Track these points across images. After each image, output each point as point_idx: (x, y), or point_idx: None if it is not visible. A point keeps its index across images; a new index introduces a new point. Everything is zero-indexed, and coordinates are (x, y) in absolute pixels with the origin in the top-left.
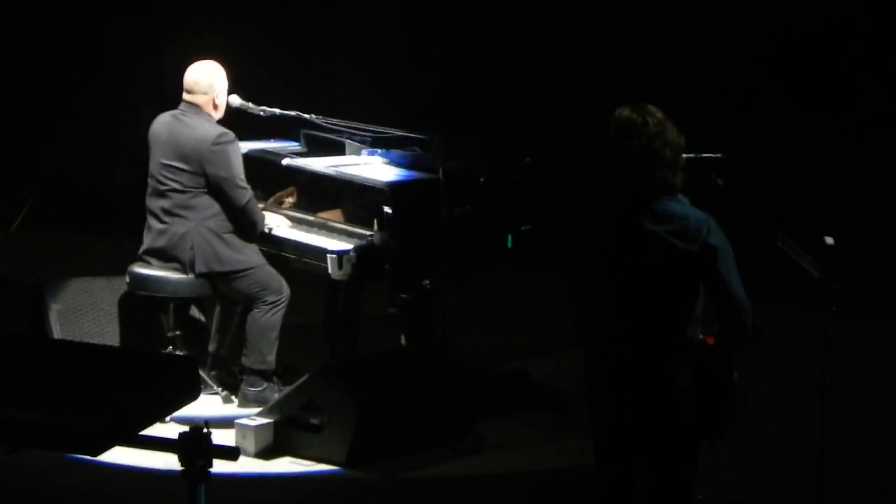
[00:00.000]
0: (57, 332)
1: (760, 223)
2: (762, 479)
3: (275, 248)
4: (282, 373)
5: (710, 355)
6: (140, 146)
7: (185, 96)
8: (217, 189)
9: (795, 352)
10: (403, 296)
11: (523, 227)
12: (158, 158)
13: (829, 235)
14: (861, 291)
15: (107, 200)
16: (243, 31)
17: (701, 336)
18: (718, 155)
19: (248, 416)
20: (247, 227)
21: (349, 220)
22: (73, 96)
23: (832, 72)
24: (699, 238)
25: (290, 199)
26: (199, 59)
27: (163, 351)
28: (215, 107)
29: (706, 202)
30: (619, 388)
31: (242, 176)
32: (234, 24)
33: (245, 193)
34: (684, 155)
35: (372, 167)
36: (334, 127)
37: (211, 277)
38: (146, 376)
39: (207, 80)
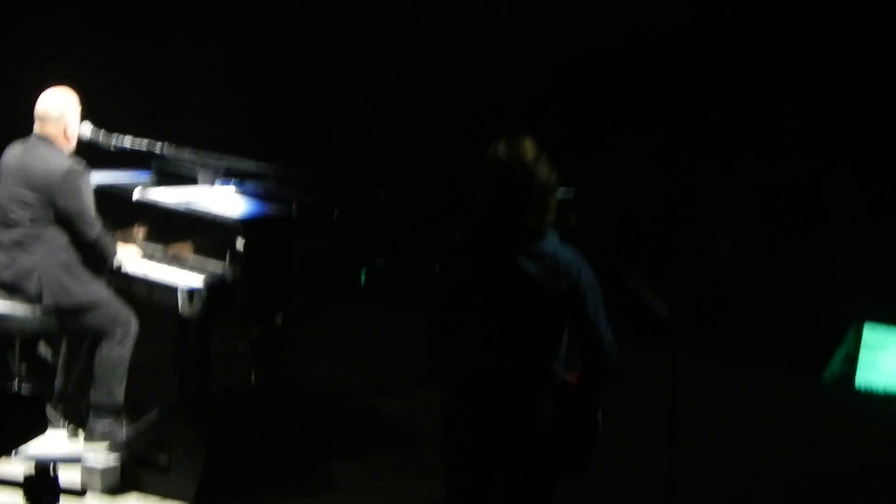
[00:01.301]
0: None
1: (611, 263)
2: None
3: (124, 283)
4: (130, 409)
5: (573, 394)
6: None
7: (37, 126)
8: (67, 221)
9: (644, 389)
10: (254, 332)
11: (377, 264)
12: (6, 188)
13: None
14: (707, 331)
15: None
16: (92, 58)
17: (564, 374)
18: (570, 193)
19: (95, 453)
20: (97, 260)
21: (200, 253)
22: None
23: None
24: (569, 278)
25: (141, 233)
26: (49, 87)
27: (9, 387)
28: (67, 137)
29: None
30: (479, 425)
31: (93, 208)
32: (83, 51)
33: (95, 226)
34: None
35: (224, 200)
36: (186, 158)
37: (59, 311)
38: None
39: (59, 109)
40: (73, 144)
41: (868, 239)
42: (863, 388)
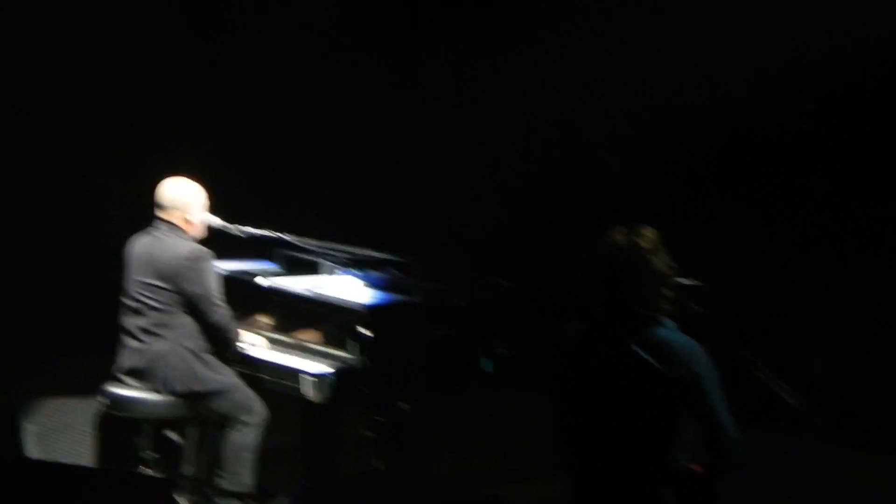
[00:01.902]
0: (32, 454)
1: (738, 351)
2: None
3: (251, 369)
4: (257, 495)
5: (695, 483)
6: (112, 264)
7: (158, 213)
8: (193, 306)
9: (770, 481)
10: (380, 419)
11: (501, 352)
12: (135, 277)
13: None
14: (838, 422)
15: (78, 318)
16: (218, 152)
17: (690, 464)
18: (697, 283)
19: None
20: (223, 344)
21: (325, 341)
22: (48, 214)
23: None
24: (686, 365)
25: (268, 321)
26: (172, 177)
27: (137, 472)
28: (188, 223)
29: (685, 328)
30: None
31: (217, 292)
32: (210, 144)
33: (219, 310)
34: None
35: (349, 288)
36: (311, 247)
37: (188, 397)
38: (120, 497)
39: (178, 196)
40: (196, 231)
41: None
42: None
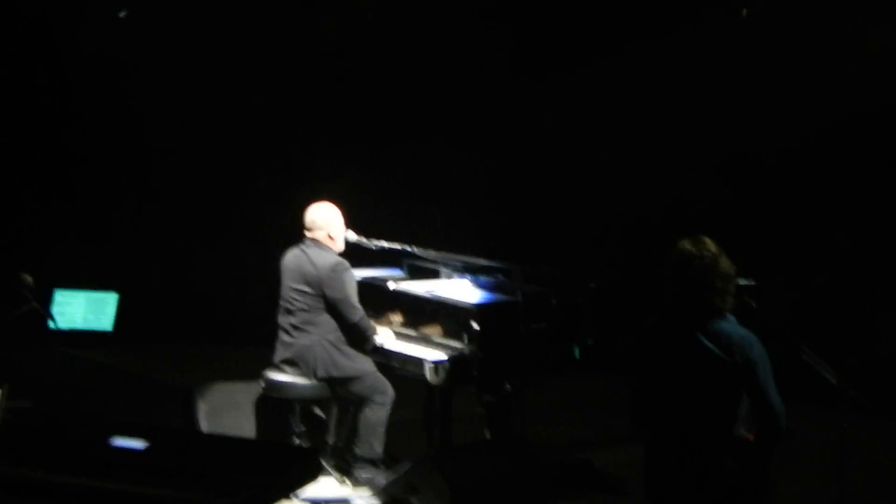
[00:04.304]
0: (205, 428)
1: (787, 339)
2: None
3: (383, 358)
4: (387, 460)
5: (749, 449)
6: (272, 274)
7: (306, 232)
8: (334, 308)
9: (817, 448)
10: (488, 397)
11: (588, 341)
12: (288, 283)
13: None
14: (875, 395)
15: (244, 318)
16: (355, 180)
17: (745, 433)
18: (752, 282)
19: (359, 497)
20: (359, 339)
21: (443, 333)
22: (222, 234)
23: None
24: (743, 353)
25: (396, 318)
26: (317, 202)
27: (290, 441)
28: (331, 239)
29: (743, 320)
30: (676, 475)
31: (356, 297)
32: (348, 174)
33: (357, 312)
34: (737, 280)
35: (462, 290)
36: (431, 257)
37: (330, 382)
38: (276, 463)
39: (321, 218)
40: (338, 246)
41: None
42: None
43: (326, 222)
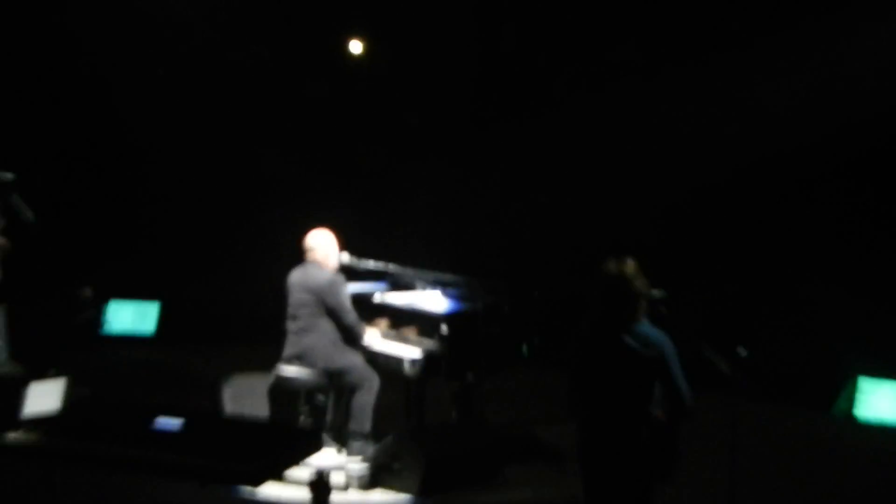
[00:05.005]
0: (229, 411)
1: (690, 338)
2: None
3: (370, 354)
4: (374, 435)
5: (661, 425)
6: (281, 288)
7: (307, 254)
8: (332, 313)
9: (714, 425)
10: (454, 386)
11: (535, 340)
12: (294, 294)
13: (742, 348)
14: (763, 384)
15: (259, 321)
16: (347, 210)
17: (658, 413)
18: (665, 293)
19: (353, 463)
20: (352, 339)
21: (419, 335)
22: (242, 256)
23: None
24: (657, 349)
25: (381, 323)
26: (314, 229)
27: (298, 422)
28: (327, 258)
29: (656, 323)
30: (603, 447)
31: (349, 305)
32: (341, 205)
33: (351, 316)
34: (651, 292)
35: (434, 300)
36: (408, 273)
37: (328, 373)
38: (287, 439)
39: (318, 243)
40: (333, 265)
41: None
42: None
43: (323, 245)
